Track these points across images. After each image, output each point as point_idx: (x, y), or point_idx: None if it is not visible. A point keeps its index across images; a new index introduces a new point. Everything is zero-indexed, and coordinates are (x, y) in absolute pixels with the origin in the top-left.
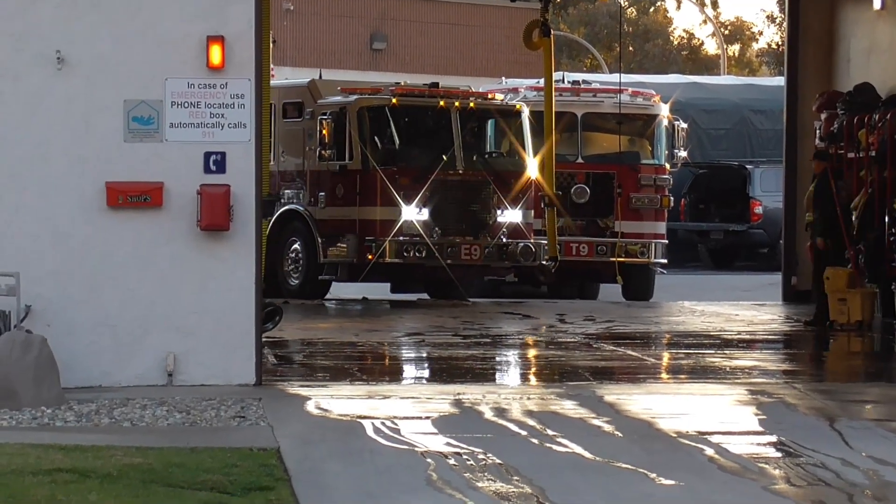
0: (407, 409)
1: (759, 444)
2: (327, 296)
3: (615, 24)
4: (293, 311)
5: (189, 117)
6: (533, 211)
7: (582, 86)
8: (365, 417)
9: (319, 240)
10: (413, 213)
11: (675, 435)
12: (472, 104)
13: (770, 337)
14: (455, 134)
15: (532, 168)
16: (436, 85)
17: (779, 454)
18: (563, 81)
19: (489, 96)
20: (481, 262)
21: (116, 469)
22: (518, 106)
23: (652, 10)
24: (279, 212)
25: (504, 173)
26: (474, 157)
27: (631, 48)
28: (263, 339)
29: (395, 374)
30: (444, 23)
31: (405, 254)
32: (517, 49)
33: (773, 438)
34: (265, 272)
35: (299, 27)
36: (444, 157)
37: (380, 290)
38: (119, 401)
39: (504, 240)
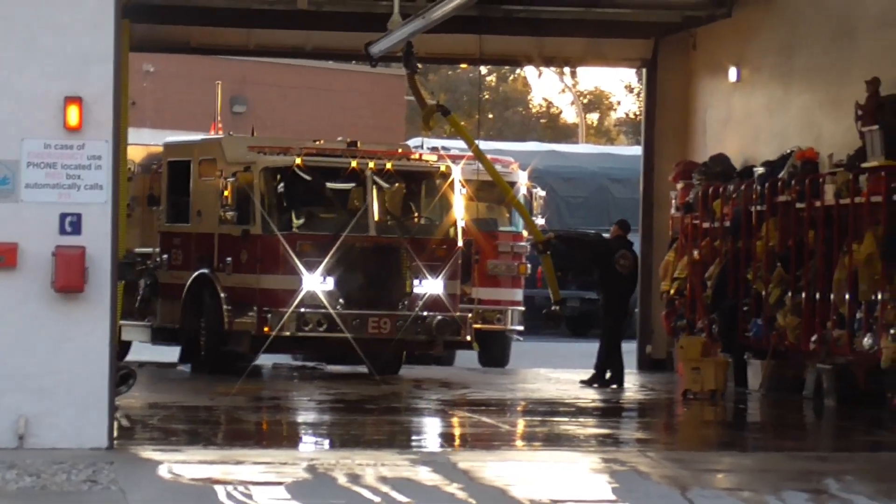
0: (260, 475)
1: None
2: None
3: (476, 91)
4: (147, 374)
5: (45, 178)
6: (459, 281)
7: (441, 152)
8: (218, 482)
9: (225, 308)
10: (316, 283)
11: (528, 502)
12: (389, 165)
13: (624, 405)
14: (368, 197)
15: (460, 234)
16: (354, 144)
17: None
18: (423, 147)
19: (414, 156)
20: (392, 336)
21: None
22: (445, 167)
23: (512, 78)
24: (193, 276)
25: (425, 240)
26: (390, 222)
27: (491, 115)
28: (117, 402)
29: (248, 439)
30: (305, 87)
31: (305, 327)
32: (377, 114)
33: None
34: (186, 338)
35: (159, 89)
36: (354, 221)
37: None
38: None
39: (424, 312)
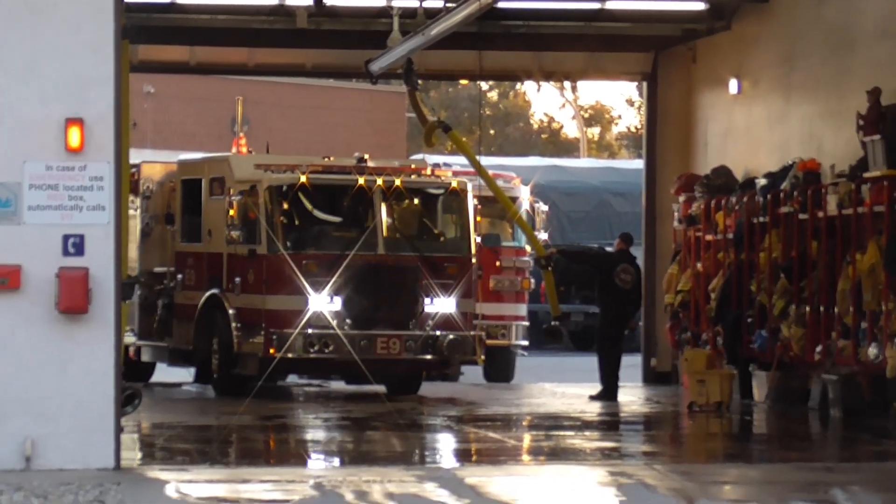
0: (267, 493)
1: None
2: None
3: (476, 107)
4: (154, 394)
5: (47, 200)
6: (473, 299)
7: (443, 168)
8: (225, 501)
9: (234, 329)
10: (322, 303)
11: None
12: (398, 182)
13: (630, 418)
14: (377, 215)
15: (473, 251)
16: (363, 160)
17: None
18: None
19: (426, 172)
20: (402, 357)
21: None
22: (456, 184)
23: (512, 93)
24: (205, 297)
25: (436, 258)
26: (399, 240)
27: (492, 131)
28: (123, 423)
29: (255, 457)
30: (306, 105)
31: (311, 348)
32: (378, 131)
33: None
34: (200, 360)
35: (160, 110)
36: (361, 239)
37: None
38: None
39: (437, 332)
